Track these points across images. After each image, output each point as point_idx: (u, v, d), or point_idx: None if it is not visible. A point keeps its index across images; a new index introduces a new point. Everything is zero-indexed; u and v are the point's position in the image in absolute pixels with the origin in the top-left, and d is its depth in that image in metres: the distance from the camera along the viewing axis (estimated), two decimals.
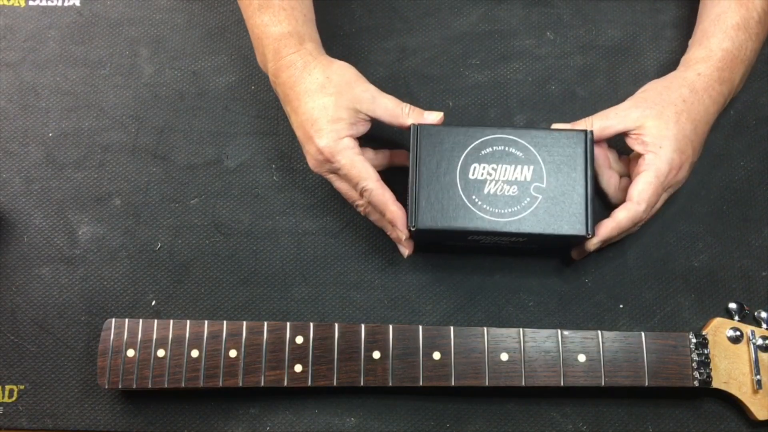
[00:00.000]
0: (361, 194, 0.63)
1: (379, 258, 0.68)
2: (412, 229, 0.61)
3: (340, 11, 0.77)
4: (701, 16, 0.70)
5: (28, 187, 0.70)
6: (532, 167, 0.62)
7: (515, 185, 0.61)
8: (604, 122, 0.65)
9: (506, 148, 0.62)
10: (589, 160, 0.62)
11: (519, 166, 0.62)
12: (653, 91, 0.66)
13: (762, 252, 0.69)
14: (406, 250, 0.65)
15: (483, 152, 0.62)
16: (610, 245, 0.68)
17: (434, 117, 0.64)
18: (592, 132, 0.63)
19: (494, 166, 0.62)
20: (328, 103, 0.62)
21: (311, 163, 0.64)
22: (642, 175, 0.63)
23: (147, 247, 0.69)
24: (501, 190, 0.61)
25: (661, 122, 0.63)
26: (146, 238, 0.69)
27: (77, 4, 0.77)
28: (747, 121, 0.74)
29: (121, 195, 0.70)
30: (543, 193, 0.61)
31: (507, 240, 0.63)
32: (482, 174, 0.62)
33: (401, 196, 0.63)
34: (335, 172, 0.63)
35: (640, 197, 0.62)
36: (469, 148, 0.62)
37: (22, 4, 0.77)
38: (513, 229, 0.60)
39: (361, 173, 0.62)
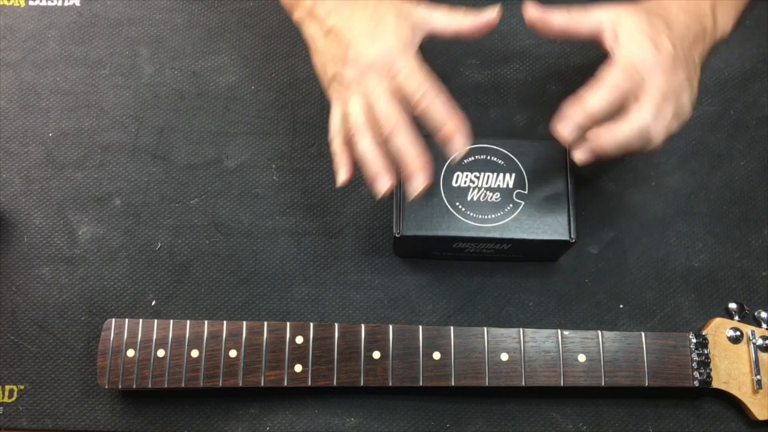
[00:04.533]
0: (416, 106, 0.55)
1: (379, 258, 0.68)
2: (397, 236, 0.61)
3: None
4: None
5: (28, 187, 0.70)
6: (514, 175, 0.63)
7: (498, 192, 0.62)
8: (579, 14, 0.59)
9: (488, 157, 0.63)
10: (569, 169, 0.63)
11: (501, 174, 0.63)
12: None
13: (762, 252, 0.69)
14: (423, 184, 0.54)
15: (465, 161, 0.63)
16: (610, 245, 0.68)
17: (491, 13, 0.59)
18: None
19: (477, 174, 0.63)
20: (390, 5, 0.57)
21: (354, 72, 0.56)
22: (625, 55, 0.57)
23: (147, 247, 0.69)
24: (484, 197, 0.62)
25: (633, 15, 0.58)
26: (146, 238, 0.69)
27: (77, 4, 0.77)
28: (747, 121, 0.74)
29: (121, 195, 0.70)
30: (525, 200, 0.62)
31: (491, 248, 0.64)
32: (465, 182, 0.63)
33: (388, 204, 0.63)
34: (394, 76, 0.55)
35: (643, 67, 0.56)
36: (451, 157, 0.62)
37: (22, 4, 0.77)
38: (497, 234, 0.61)
39: (426, 77, 0.55)
